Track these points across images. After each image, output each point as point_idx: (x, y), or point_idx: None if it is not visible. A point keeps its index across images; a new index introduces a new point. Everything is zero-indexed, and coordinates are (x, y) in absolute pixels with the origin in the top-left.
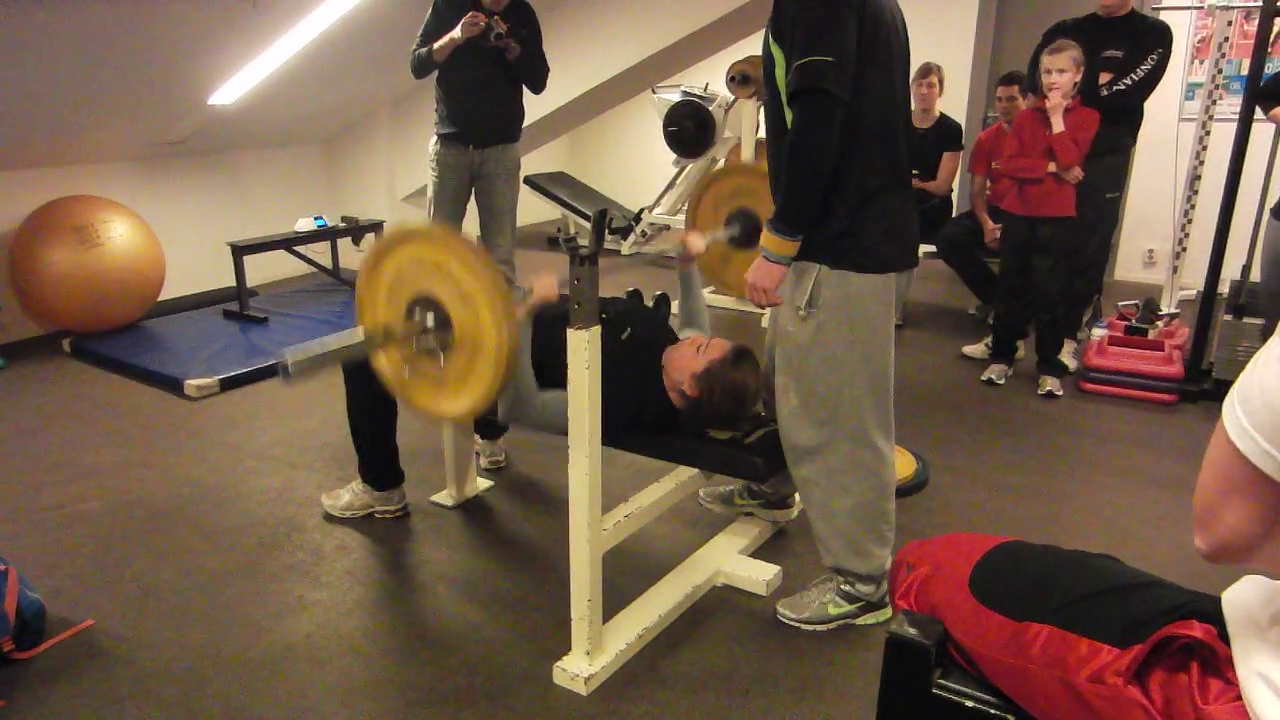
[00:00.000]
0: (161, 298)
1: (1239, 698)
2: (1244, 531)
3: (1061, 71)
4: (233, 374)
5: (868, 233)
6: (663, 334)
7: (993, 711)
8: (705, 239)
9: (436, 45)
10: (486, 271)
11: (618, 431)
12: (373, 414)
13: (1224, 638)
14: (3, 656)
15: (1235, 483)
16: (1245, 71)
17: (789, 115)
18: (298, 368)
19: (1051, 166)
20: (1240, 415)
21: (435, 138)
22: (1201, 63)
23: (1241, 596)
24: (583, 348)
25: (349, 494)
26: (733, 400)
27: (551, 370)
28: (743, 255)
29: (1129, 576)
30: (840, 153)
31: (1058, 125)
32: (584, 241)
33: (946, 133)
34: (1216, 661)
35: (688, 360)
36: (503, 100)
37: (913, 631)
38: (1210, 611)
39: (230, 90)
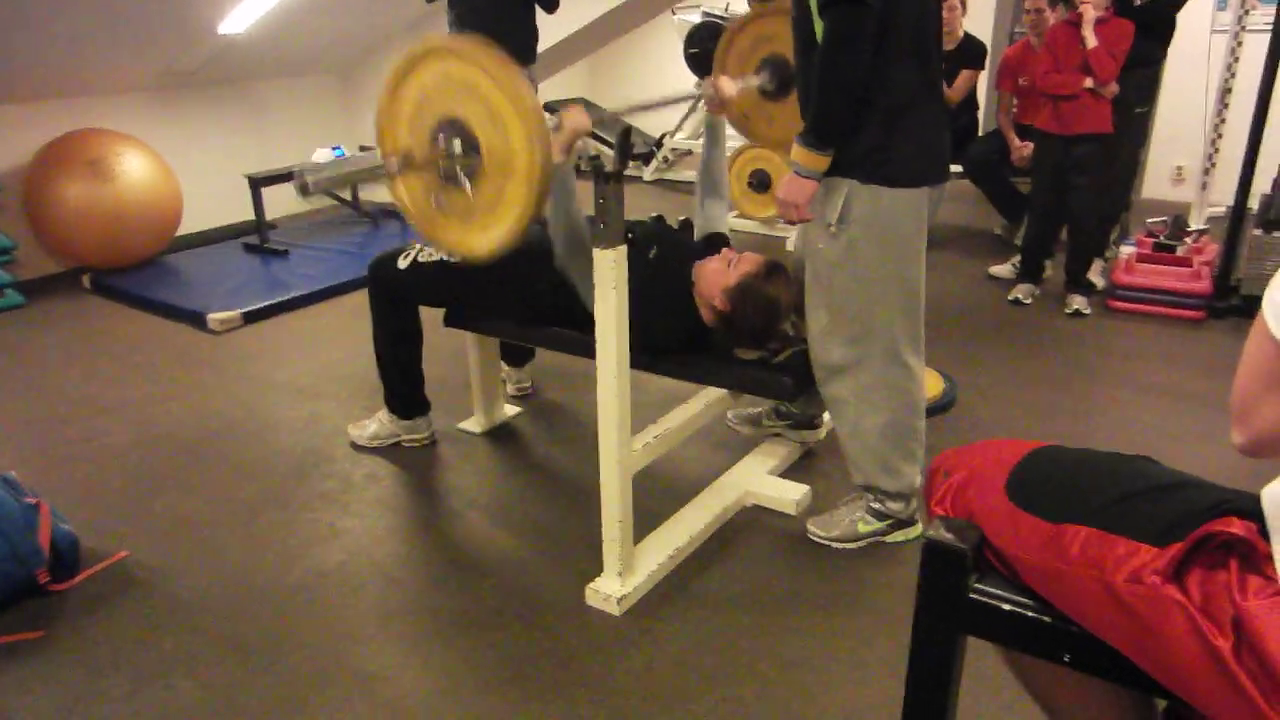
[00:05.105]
0: (180, 232)
1: (1278, 593)
2: None
3: None
4: (255, 307)
5: (899, 147)
6: (691, 253)
7: (1029, 614)
8: (736, 84)
9: None
10: (516, 86)
11: (650, 352)
12: (398, 343)
13: (1264, 534)
14: (39, 588)
15: (1275, 376)
16: None
17: (818, 28)
18: (317, 185)
19: (1088, 82)
20: None
21: None
22: None
23: None
24: (609, 268)
25: (375, 424)
26: (765, 315)
27: (568, 299)
28: (781, 110)
29: (1167, 476)
30: (871, 66)
31: (1091, 40)
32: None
33: (971, 52)
34: (1256, 558)
35: (719, 275)
36: (516, 22)
37: (950, 536)
38: (1249, 509)
39: (239, 18)
